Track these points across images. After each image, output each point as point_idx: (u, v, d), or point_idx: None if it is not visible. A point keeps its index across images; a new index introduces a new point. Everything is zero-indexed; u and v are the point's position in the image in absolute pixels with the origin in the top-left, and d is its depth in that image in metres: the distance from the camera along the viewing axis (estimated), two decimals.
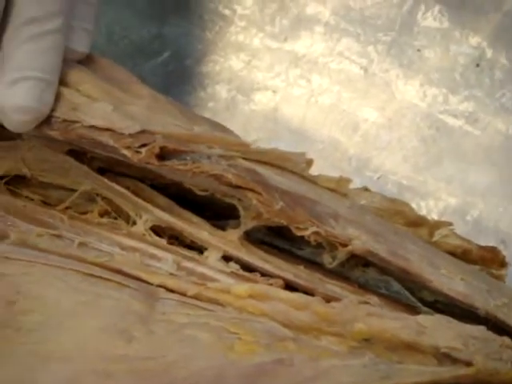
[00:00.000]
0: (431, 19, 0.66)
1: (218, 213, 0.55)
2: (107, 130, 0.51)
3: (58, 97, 0.52)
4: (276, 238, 0.56)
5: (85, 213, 0.55)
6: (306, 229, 0.51)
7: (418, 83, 0.65)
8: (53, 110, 0.52)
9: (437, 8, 0.66)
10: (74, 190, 0.55)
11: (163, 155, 0.51)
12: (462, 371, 0.45)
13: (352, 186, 0.55)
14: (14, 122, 0.51)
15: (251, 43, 0.67)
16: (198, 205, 0.55)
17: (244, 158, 0.52)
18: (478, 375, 0.45)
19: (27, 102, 0.50)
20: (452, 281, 0.51)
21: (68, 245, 0.52)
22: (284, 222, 0.51)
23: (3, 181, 0.55)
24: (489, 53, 0.65)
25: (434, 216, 0.60)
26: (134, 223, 0.54)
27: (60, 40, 0.52)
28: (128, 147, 0.51)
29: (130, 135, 0.51)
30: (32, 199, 0.55)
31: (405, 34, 0.66)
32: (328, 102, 0.65)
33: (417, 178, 0.63)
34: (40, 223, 0.53)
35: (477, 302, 0.50)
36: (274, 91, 0.66)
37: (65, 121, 0.52)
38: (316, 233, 0.51)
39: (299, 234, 0.51)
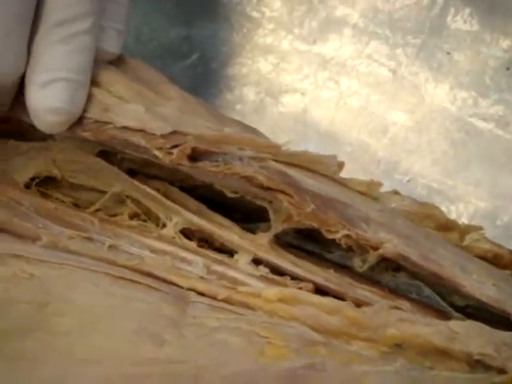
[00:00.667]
0: (461, 22, 0.65)
1: (248, 216, 0.55)
2: (139, 130, 0.51)
3: (89, 98, 0.52)
4: (306, 242, 0.55)
5: (115, 215, 0.54)
6: (337, 232, 0.51)
7: (447, 86, 0.64)
8: (84, 110, 0.51)
9: (467, 11, 0.65)
10: (104, 192, 0.55)
11: (194, 156, 0.51)
12: (496, 379, 0.44)
13: (382, 189, 0.55)
14: (46, 124, 0.51)
15: (280, 45, 0.67)
16: (228, 207, 0.55)
17: (275, 160, 0.52)
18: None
19: (59, 104, 0.50)
20: (484, 286, 0.50)
21: (98, 247, 0.52)
22: (315, 225, 0.51)
23: (34, 182, 0.55)
24: None
25: (463, 220, 0.59)
26: (164, 226, 0.54)
27: (91, 41, 0.52)
28: (160, 148, 0.50)
29: (162, 136, 0.51)
30: (63, 201, 0.55)
31: (434, 37, 0.65)
32: (357, 105, 0.65)
33: (446, 181, 0.63)
34: (71, 225, 0.53)
35: (509, 307, 0.50)
36: (303, 93, 0.65)
37: (97, 122, 0.51)
38: (347, 236, 0.51)
39: (330, 236, 0.51)
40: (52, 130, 0.51)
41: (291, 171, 0.52)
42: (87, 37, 0.51)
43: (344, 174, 0.54)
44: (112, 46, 0.54)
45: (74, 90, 0.51)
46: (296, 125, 0.65)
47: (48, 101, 0.50)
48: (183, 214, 0.54)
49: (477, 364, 0.46)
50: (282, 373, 0.47)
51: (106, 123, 0.51)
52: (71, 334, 0.49)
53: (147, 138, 0.51)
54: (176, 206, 0.54)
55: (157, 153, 0.51)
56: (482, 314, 0.50)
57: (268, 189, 0.51)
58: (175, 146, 0.50)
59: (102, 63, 0.54)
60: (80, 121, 0.51)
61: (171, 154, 0.50)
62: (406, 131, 0.64)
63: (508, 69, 0.64)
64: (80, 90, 0.51)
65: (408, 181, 0.63)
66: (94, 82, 0.53)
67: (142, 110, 0.52)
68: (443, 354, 0.46)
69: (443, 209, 0.56)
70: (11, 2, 0.49)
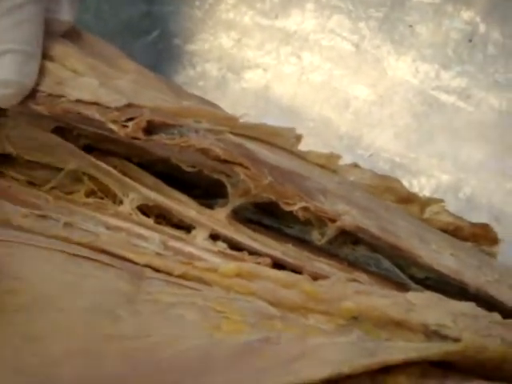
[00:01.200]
0: None
1: (205, 191, 0.55)
2: (93, 103, 0.51)
3: (42, 71, 0.52)
4: (264, 216, 0.55)
5: (71, 193, 0.54)
6: (294, 204, 0.50)
7: (409, 59, 0.64)
8: (37, 84, 0.51)
9: None
10: (60, 170, 0.54)
11: (150, 130, 0.51)
12: (450, 347, 0.44)
13: (342, 162, 0.55)
14: None
15: (241, 21, 0.67)
16: (186, 183, 0.55)
17: (232, 133, 0.51)
18: (466, 352, 0.44)
19: (8, 76, 0.50)
20: (442, 256, 0.50)
21: (53, 225, 0.52)
22: (273, 198, 0.51)
23: None
24: (482, 28, 0.64)
25: (426, 193, 0.59)
26: (121, 203, 0.54)
27: (38, 11, 0.51)
28: (115, 121, 0.50)
29: (117, 109, 0.50)
30: (17, 179, 0.54)
31: (396, 10, 0.65)
32: (319, 80, 0.65)
33: (409, 155, 0.63)
34: (25, 204, 0.53)
35: (467, 277, 0.50)
36: (265, 69, 0.65)
37: (50, 95, 0.51)
38: (305, 208, 0.50)
39: (288, 209, 0.51)
40: (3, 104, 0.51)
41: (249, 144, 0.52)
42: (33, 7, 0.51)
43: (306, 149, 0.54)
44: (64, 14, 0.54)
45: (23, 61, 0.50)
46: (258, 100, 0.65)
47: None
48: (140, 190, 0.53)
49: (433, 334, 0.45)
50: (238, 347, 0.46)
51: (60, 96, 0.51)
52: (25, 311, 0.49)
53: (101, 111, 0.50)
54: (133, 183, 0.54)
55: (112, 126, 0.50)
56: (442, 286, 0.50)
57: (225, 162, 0.51)
58: (130, 119, 0.50)
59: (56, 37, 0.53)
60: (33, 94, 0.51)
61: (126, 127, 0.50)
62: (368, 105, 0.64)
63: (470, 41, 0.64)
64: (30, 61, 0.51)
65: (370, 155, 0.63)
66: (48, 56, 0.52)
67: (96, 84, 0.51)
68: (400, 326, 0.46)
69: (405, 183, 0.56)
70: None
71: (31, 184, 0.54)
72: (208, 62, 0.66)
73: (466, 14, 0.64)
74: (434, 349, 0.44)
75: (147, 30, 0.67)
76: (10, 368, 0.47)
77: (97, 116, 0.50)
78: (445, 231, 0.54)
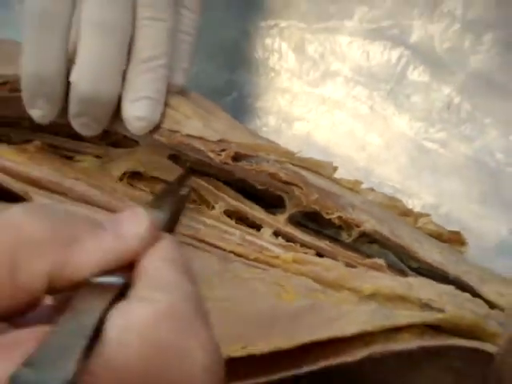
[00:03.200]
0: (417, 75, 0.66)
1: (270, 202, 0.54)
2: (198, 138, 0.50)
3: (163, 114, 0.51)
4: (310, 221, 0.54)
5: None
6: (332, 214, 0.50)
7: (407, 118, 0.64)
8: (160, 122, 0.51)
9: (421, 67, 0.66)
10: None
11: (236, 158, 0.51)
12: (437, 316, 0.44)
13: (362, 187, 0.54)
14: (134, 127, 0.50)
15: (293, 88, 0.67)
16: (257, 196, 0.54)
17: (291, 163, 0.51)
18: (448, 319, 0.44)
19: (143, 114, 0.50)
20: (431, 253, 0.50)
21: None
22: (317, 209, 0.51)
23: (126, 176, 0.55)
24: (456, 100, 0.64)
25: (417, 209, 0.58)
26: (213, 208, 0.53)
27: (165, 72, 0.51)
28: (212, 151, 0.50)
29: (214, 142, 0.50)
30: (144, 190, 0.54)
31: (398, 85, 0.65)
32: (345, 130, 0.65)
33: (405, 183, 0.63)
34: None
35: (448, 268, 0.49)
36: (308, 121, 0.66)
37: (169, 130, 0.51)
38: (339, 217, 0.50)
39: (327, 217, 0.51)
40: (138, 132, 0.51)
41: (302, 171, 0.51)
42: (163, 69, 0.51)
43: (338, 177, 0.54)
44: (178, 79, 0.53)
45: (153, 105, 0.50)
46: (303, 143, 0.65)
47: (136, 112, 0.50)
48: (226, 200, 0.53)
49: (425, 306, 0.45)
50: (292, 309, 0.46)
51: (175, 131, 0.51)
52: None
53: (204, 143, 0.50)
54: (221, 194, 0.53)
55: (210, 154, 0.50)
56: (431, 274, 0.49)
57: (285, 183, 0.51)
58: (223, 150, 0.50)
59: (172, 92, 0.53)
60: (157, 129, 0.51)
61: (220, 155, 0.50)
62: (378, 149, 0.64)
63: (448, 108, 0.64)
64: (158, 106, 0.51)
65: (379, 183, 0.63)
66: (167, 104, 0.52)
67: (200, 125, 0.51)
68: (403, 300, 0.46)
69: (404, 202, 0.56)
70: (120, 46, 0.49)
71: (154, 193, 0.54)
72: (269, 115, 0.66)
73: (446, 90, 0.65)
74: (426, 316, 0.44)
75: (229, 92, 0.67)
76: None
77: (201, 147, 0.50)
78: (431, 236, 0.53)
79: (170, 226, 0.41)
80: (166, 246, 0.33)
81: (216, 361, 0.30)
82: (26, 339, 0.27)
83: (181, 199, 0.51)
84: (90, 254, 0.31)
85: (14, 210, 0.31)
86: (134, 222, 0.32)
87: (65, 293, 0.31)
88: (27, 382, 0.24)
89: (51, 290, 0.30)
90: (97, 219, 0.33)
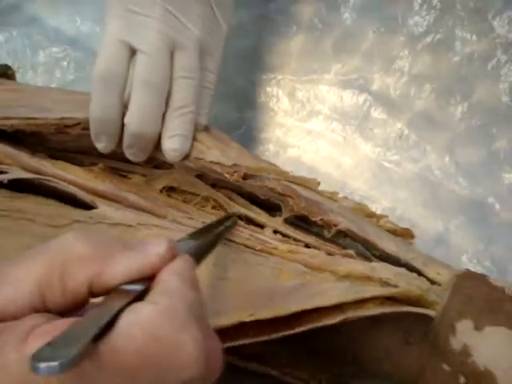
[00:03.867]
0: (377, 113, 0.66)
1: (270, 208, 0.54)
2: (217, 163, 0.51)
3: (192, 146, 0.52)
4: (301, 222, 0.54)
5: (203, 207, 0.54)
6: (316, 217, 0.50)
7: (370, 145, 0.64)
8: (189, 152, 0.52)
9: (380, 108, 0.66)
10: (198, 195, 0.54)
11: (245, 177, 0.51)
12: (393, 290, 0.44)
13: (339, 196, 0.54)
14: (171, 157, 0.51)
15: (287, 123, 0.67)
16: (261, 203, 0.54)
17: (286, 180, 0.51)
18: (401, 292, 0.44)
19: (176, 146, 0.50)
20: (388, 244, 0.50)
21: (196, 222, 0.51)
22: (305, 213, 0.50)
23: (165, 189, 0.55)
24: (406, 131, 0.64)
25: (378, 212, 0.58)
26: None
27: (194, 116, 0.52)
28: (227, 172, 0.50)
29: (228, 166, 0.50)
30: (178, 199, 0.54)
31: (364, 120, 0.66)
32: (326, 154, 0.65)
33: (370, 193, 0.63)
34: (183, 211, 0.52)
35: (401, 255, 0.49)
36: (298, 148, 0.66)
37: (195, 158, 0.51)
38: (321, 219, 0.50)
39: (313, 219, 0.50)
40: (173, 160, 0.51)
41: (293, 185, 0.51)
42: (192, 114, 0.51)
43: (321, 189, 0.54)
44: (202, 120, 0.54)
45: (184, 140, 0.51)
46: (294, 164, 0.65)
47: (172, 145, 0.50)
48: (238, 207, 0.53)
49: (385, 283, 0.46)
50: (288, 287, 0.46)
51: (200, 159, 0.51)
52: None
53: (221, 167, 0.50)
54: (233, 203, 0.54)
55: (226, 175, 0.50)
56: (388, 260, 0.49)
57: (282, 194, 0.51)
58: (235, 172, 0.50)
59: (198, 130, 0.53)
60: (187, 157, 0.51)
61: (233, 175, 0.50)
62: (349, 168, 0.64)
63: (400, 137, 0.64)
64: (187, 141, 0.51)
65: (351, 192, 0.63)
66: (194, 139, 0.52)
67: (218, 153, 0.51)
68: (368, 279, 0.46)
69: (369, 207, 0.55)
70: (160, 97, 0.50)
71: (185, 202, 0.54)
72: (270, 143, 0.66)
73: (399, 124, 0.65)
74: (385, 291, 0.44)
75: (239, 126, 0.67)
76: None
77: (218, 170, 0.51)
78: (389, 232, 0.53)
79: (200, 254, 0.40)
80: (179, 263, 0.33)
81: (207, 354, 0.29)
82: (60, 325, 0.27)
83: (220, 233, 0.48)
84: (120, 267, 0.31)
85: (67, 235, 0.32)
86: (156, 244, 0.33)
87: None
88: (43, 356, 0.25)
89: (92, 294, 0.31)
90: (127, 241, 0.33)
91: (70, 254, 0.31)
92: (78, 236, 0.31)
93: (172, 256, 0.33)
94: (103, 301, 0.30)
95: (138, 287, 0.31)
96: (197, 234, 0.44)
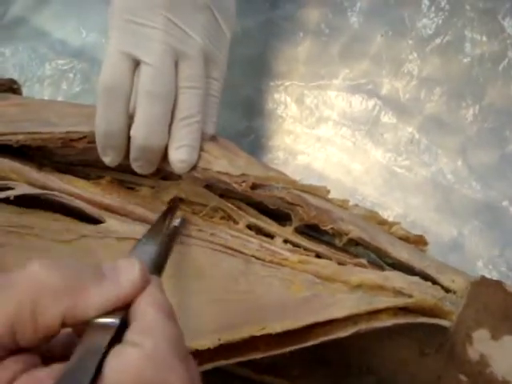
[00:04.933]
0: (387, 118, 0.65)
1: (280, 217, 0.53)
2: (225, 173, 0.50)
3: (199, 156, 0.51)
4: (310, 231, 0.53)
5: (212, 217, 0.53)
6: (326, 225, 0.49)
7: (381, 151, 0.64)
8: (197, 163, 0.51)
9: (390, 113, 0.65)
10: (207, 206, 0.53)
11: (253, 187, 0.50)
12: (407, 300, 0.43)
13: (349, 204, 0.53)
14: (178, 168, 0.50)
15: (295, 130, 0.66)
16: (270, 213, 0.53)
17: (295, 188, 0.50)
18: (416, 302, 0.43)
19: (184, 158, 0.50)
20: (401, 252, 0.49)
21: (205, 234, 0.51)
22: (316, 222, 0.50)
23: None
24: (417, 136, 0.64)
25: (390, 219, 0.58)
26: (237, 223, 0.52)
27: (200, 126, 0.51)
28: (236, 182, 0.50)
29: (236, 176, 0.50)
30: (186, 210, 0.53)
31: (374, 126, 0.65)
32: (335, 160, 0.64)
33: (381, 199, 0.62)
34: (191, 223, 0.52)
35: (414, 263, 0.48)
36: (308, 155, 0.65)
37: (203, 168, 0.51)
38: (332, 228, 0.49)
39: (323, 228, 0.50)
40: (181, 172, 0.51)
41: (303, 194, 0.50)
42: (198, 124, 0.51)
43: (331, 197, 0.53)
44: (209, 130, 0.53)
45: (191, 151, 0.50)
46: (304, 171, 0.64)
47: (179, 156, 0.50)
48: (247, 217, 0.52)
49: (398, 293, 0.45)
50: (299, 299, 0.46)
51: (208, 169, 0.51)
52: (194, 278, 0.49)
53: (229, 177, 0.50)
54: (243, 213, 0.53)
55: (234, 185, 0.50)
56: (401, 268, 0.49)
57: (291, 203, 0.50)
58: (243, 182, 0.50)
59: (206, 139, 0.53)
60: (195, 168, 0.51)
61: (241, 186, 0.50)
62: (359, 173, 0.63)
63: (411, 142, 0.63)
64: (194, 151, 0.51)
65: (362, 199, 0.62)
66: (202, 149, 0.52)
67: (226, 163, 0.51)
68: (381, 288, 0.46)
69: (380, 214, 0.54)
70: (166, 108, 0.49)
71: (194, 213, 0.53)
72: (279, 151, 0.65)
73: (410, 129, 0.64)
74: (399, 301, 0.44)
75: (248, 135, 0.66)
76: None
77: (227, 180, 0.50)
78: (401, 239, 0.52)
79: (162, 259, 0.40)
80: (153, 292, 0.33)
81: None
82: (46, 378, 0.27)
83: (174, 230, 0.49)
84: (93, 300, 0.31)
85: (32, 264, 0.31)
86: (129, 271, 0.32)
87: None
88: None
89: (65, 325, 0.31)
90: (100, 268, 0.32)
91: (41, 287, 0.30)
92: (45, 266, 0.31)
93: (145, 281, 0.33)
94: (83, 342, 0.29)
95: (114, 320, 0.30)
96: (152, 234, 0.44)
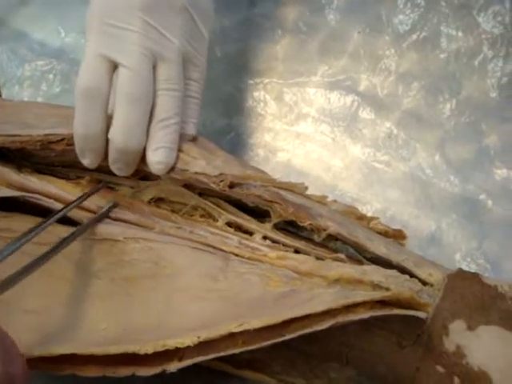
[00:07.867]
0: (365, 114, 0.66)
1: (259, 214, 0.53)
2: (202, 173, 0.51)
3: (177, 157, 0.52)
4: (289, 227, 0.54)
5: (192, 215, 0.54)
6: (304, 222, 0.50)
7: (359, 146, 0.64)
8: (175, 163, 0.51)
9: (368, 108, 0.66)
10: (187, 205, 0.54)
11: (231, 186, 0.51)
12: (385, 293, 0.43)
13: (328, 199, 0.54)
14: (155, 169, 0.51)
15: (275, 127, 0.67)
16: (249, 210, 0.54)
17: (273, 186, 0.51)
18: (393, 295, 0.43)
19: (162, 159, 0.50)
20: (379, 246, 0.50)
21: (184, 232, 0.52)
22: (294, 218, 0.50)
23: (153, 200, 0.55)
24: (395, 131, 0.65)
25: (369, 214, 0.58)
26: (217, 220, 0.53)
27: (178, 127, 0.52)
28: (214, 182, 0.50)
29: (214, 176, 0.50)
30: (166, 209, 0.54)
31: (352, 121, 0.66)
32: (315, 156, 0.64)
33: (360, 194, 0.63)
34: (170, 221, 0.53)
35: (392, 257, 0.49)
36: (287, 152, 0.65)
37: (182, 170, 0.51)
38: (310, 224, 0.50)
39: (302, 224, 0.50)
40: (159, 173, 0.51)
41: (281, 191, 0.51)
42: (176, 126, 0.51)
43: (309, 193, 0.53)
44: (190, 130, 0.54)
45: (169, 152, 0.51)
46: (284, 168, 0.64)
47: (156, 158, 0.50)
48: (226, 215, 0.53)
49: (376, 286, 0.45)
50: (278, 294, 0.46)
51: (186, 170, 0.51)
52: (173, 277, 0.49)
53: (207, 177, 0.50)
54: (222, 211, 0.53)
55: (212, 185, 0.50)
56: (379, 262, 0.49)
57: (269, 201, 0.51)
58: (221, 181, 0.50)
59: (184, 140, 0.53)
60: (173, 169, 0.51)
61: (219, 185, 0.50)
62: (339, 169, 0.64)
63: (389, 137, 0.64)
64: (172, 152, 0.51)
65: (341, 194, 0.62)
66: (180, 150, 0.52)
67: (204, 163, 0.51)
68: (359, 282, 0.46)
69: (359, 208, 0.55)
70: (144, 111, 0.50)
71: (174, 212, 0.54)
72: (259, 148, 0.66)
73: (388, 124, 0.65)
74: (376, 295, 0.44)
75: (228, 132, 0.67)
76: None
77: (205, 180, 0.51)
78: (380, 233, 0.53)
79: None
80: None
81: None
82: None
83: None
84: None
85: None
86: None
87: None
88: None
89: None
90: None
91: None
92: None
93: None
94: None
95: None
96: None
